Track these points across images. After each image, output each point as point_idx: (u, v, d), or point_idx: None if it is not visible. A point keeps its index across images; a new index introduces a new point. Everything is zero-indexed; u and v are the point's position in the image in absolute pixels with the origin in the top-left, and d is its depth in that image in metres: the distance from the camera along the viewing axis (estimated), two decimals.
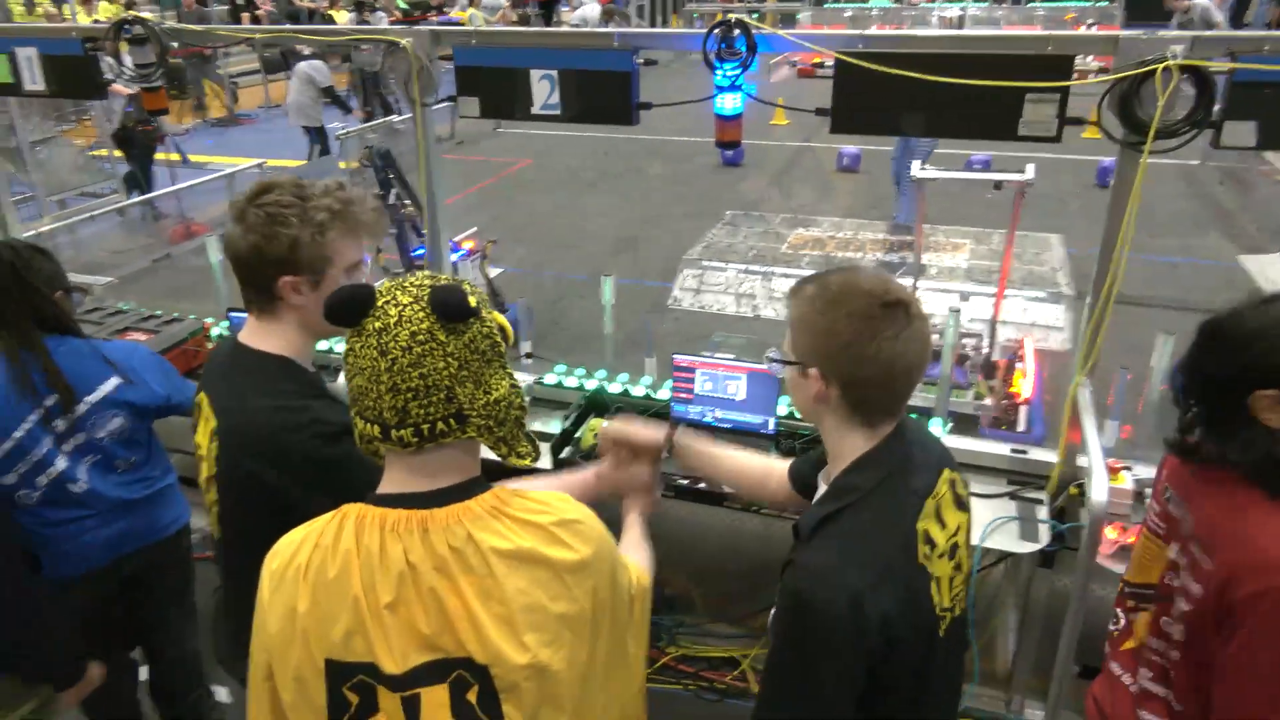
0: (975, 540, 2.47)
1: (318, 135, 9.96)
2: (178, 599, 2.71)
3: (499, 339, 1.22)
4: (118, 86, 4.01)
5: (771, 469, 1.83)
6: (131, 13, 3.73)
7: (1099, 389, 2.93)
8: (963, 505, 1.49)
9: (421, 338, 1.14)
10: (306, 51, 9.73)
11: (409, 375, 1.14)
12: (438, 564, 1.14)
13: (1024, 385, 4.48)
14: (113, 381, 2.31)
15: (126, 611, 2.56)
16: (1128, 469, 2.55)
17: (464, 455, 1.23)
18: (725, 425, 2.92)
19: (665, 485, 2.72)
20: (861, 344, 1.33)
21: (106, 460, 2.35)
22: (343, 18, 14.95)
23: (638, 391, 3.15)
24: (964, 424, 4.18)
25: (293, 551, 1.20)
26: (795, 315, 1.44)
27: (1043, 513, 2.55)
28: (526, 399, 1.29)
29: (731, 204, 8.76)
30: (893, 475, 1.40)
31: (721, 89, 2.48)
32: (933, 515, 1.41)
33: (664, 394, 3.07)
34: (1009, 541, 2.48)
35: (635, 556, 1.55)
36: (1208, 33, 2.14)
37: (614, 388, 3.16)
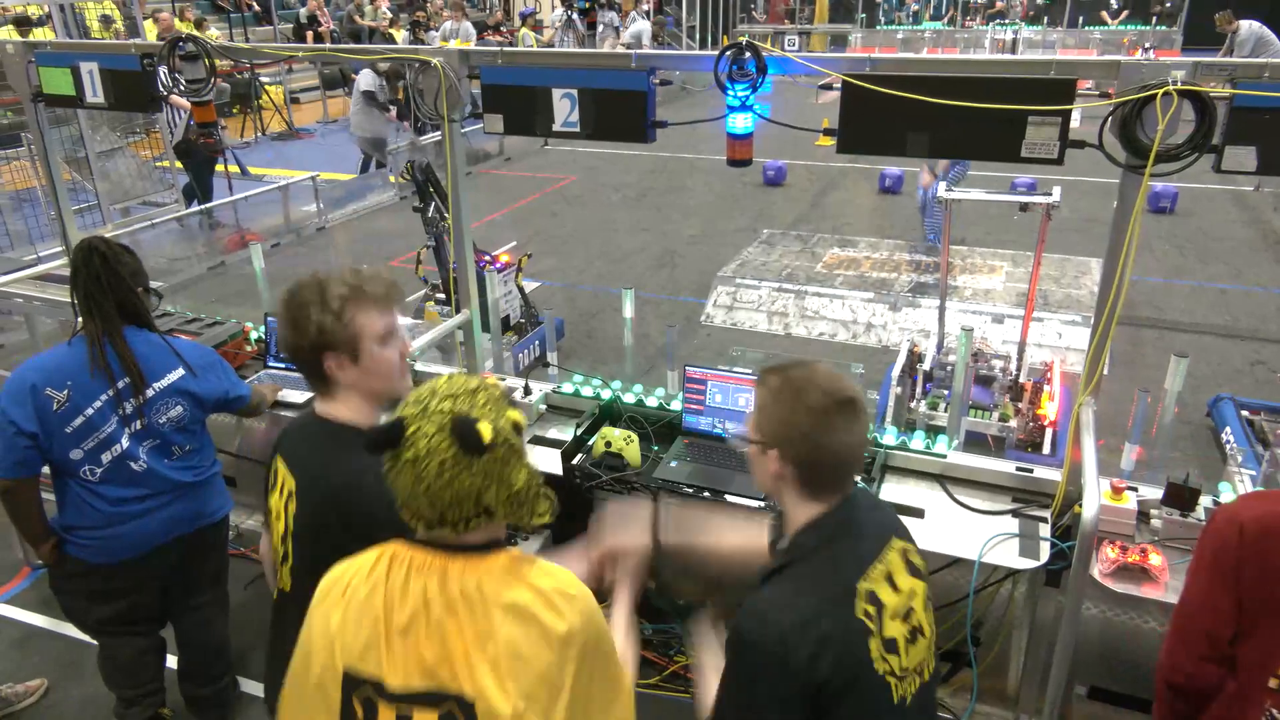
0: (974, 556, 2.49)
1: (374, 146, 10.15)
2: (214, 584, 2.87)
3: (514, 439, 1.38)
4: (177, 99, 4.23)
5: (753, 547, 1.94)
6: (186, 30, 3.93)
7: (1121, 411, 2.92)
8: (917, 573, 1.62)
9: (449, 464, 1.31)
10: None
11: (442, 495, 1.32)
12: (449, 604, 1.33)
13: (1051, 408, 4.45)
14: (179, 372, 2.54)
15: (164, 591, 2.72)
16: (1133, 489, 2.55)
17: (492, 530, 1.42)
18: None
19: (670, 491, 2.78)
20: (817, 434, 1.53)
21: (164, 445, 2.55)
22: (400, 36, 15.36)
23: (651, 402, 3.22)
24: (985, 445, 4.18)
25: (341, 573, 1.42)
26: (759, 402, 1.62)
27: (1045, 530, 2.56)
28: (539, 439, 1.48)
29: (771, 222, 8.81)
30: (836, 538, 1.57)
31: (733, 109, 2.56)
32: (882, 579, 1.55)
33: (676, 405, 3.14)
34: (1009, 558, 2.50)
35: (620, 646, 1.64)
36: (1208, 59, 2.15)
37: (628, 398, 3.24)
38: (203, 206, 8.59)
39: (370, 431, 1.36)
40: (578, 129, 2.75)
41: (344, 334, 1.80)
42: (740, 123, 2.57)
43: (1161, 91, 2.11)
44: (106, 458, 2.47)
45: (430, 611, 1.33)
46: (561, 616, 1.35)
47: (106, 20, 11.47)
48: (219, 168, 9.23)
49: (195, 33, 3.38)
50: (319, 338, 1.79)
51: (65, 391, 2.41)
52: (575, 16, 19.44)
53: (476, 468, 1.32)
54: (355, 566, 1.41)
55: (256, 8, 16.29)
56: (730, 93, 2.52)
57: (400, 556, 1.38)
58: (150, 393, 2.50)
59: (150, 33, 11.55)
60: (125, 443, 2.49)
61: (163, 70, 3.30)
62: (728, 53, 2.49)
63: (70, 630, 3.14)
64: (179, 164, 8.92)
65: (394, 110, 10.26)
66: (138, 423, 2.49)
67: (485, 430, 1.32)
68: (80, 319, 2.49)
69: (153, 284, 2.70)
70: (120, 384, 2.46)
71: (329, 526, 1.72)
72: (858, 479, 1.68)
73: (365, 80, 9.82)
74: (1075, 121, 2.32)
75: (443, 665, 1.32)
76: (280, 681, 1.49)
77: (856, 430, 1.55)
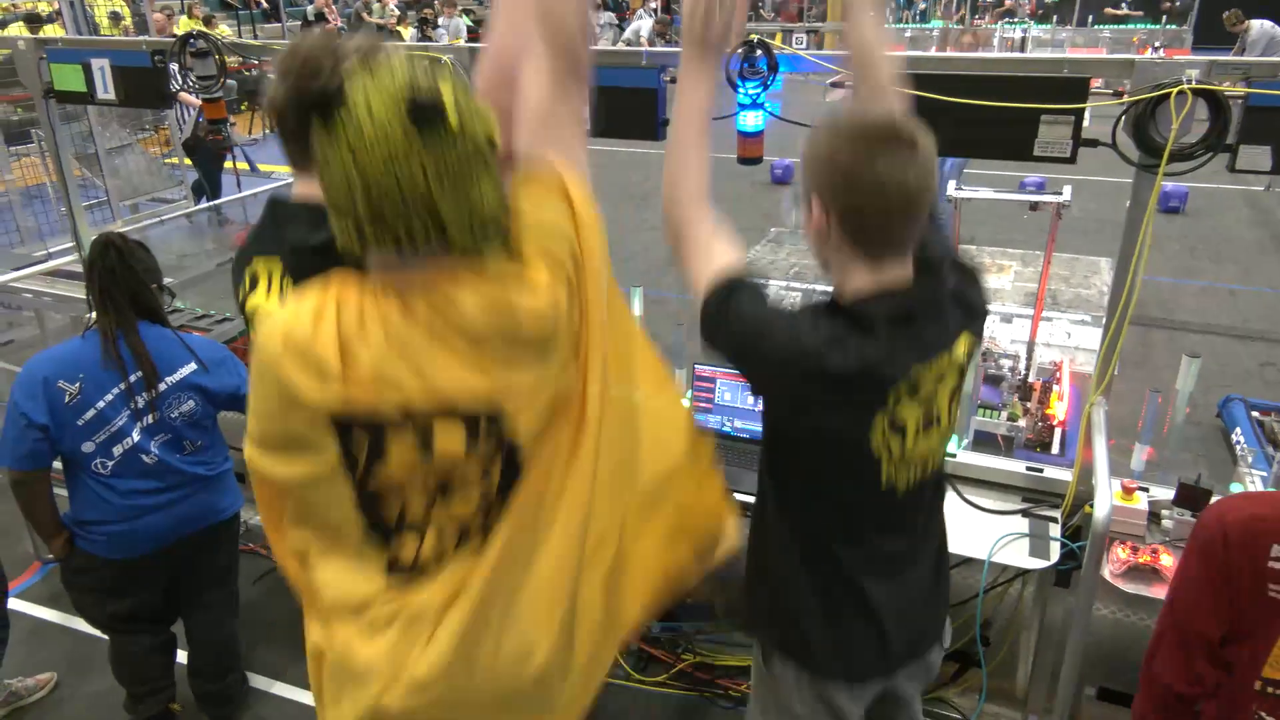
0: (984, 555, 2.49)
1: None
2: (223, 581, 2.88)
3: (486, 143, 1.17)
4: (186, 96, 4.25)
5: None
6: (196, 27, 3.94)
7: (1130, 411, 2.91)
8: (958, 364, 1.52)
9: (397, 142, 1.09)
10: None
11: (382, 184, 1.10)
12: (427, 329, 1.17)
13: (1060, 408, 4.44)
14: (191, 366, 2.56)
15: (175, 587, 2.73)
16: (1144, 490, 2.54)
17: None
18: (744, 435, 2.97)
19: None
20: (858, 168, 1.34)
21: (176, 440, 2.57)
22: (408, 34, 15.39)
23: None
24: (996, 445, 4.17)
25: (287, 328, 1.19)
26: (805, 152, 1.44)
27: (1055, 530, 2.56)
28: None
29: (778, 221, 8.80)
30: (889, 326, 1.40)
31: (744, 106, 2.56)
32: (930, 371, 1.45)
33: (684, 403, 3.14)
34: (1019, 557, 2.49)
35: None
36: (1223, 58, 2.14)
37: None
38: (212, 203, 8.61)
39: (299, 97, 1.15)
40: (588, 127, 2.74)
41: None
42: (751, 120, 2.56)
43: (1176, 90, 2.11)
44: (118, 450, 2.48)
45: (387, 327, 1.15)
46: (535, 293, 1.18)
47: (115, 17, 11.52)
48: (227, 165, 9.25)
49: (204, 29, 3.38)
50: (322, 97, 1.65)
51: (77, 384, 2.42)
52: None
53: (431, 153, 1.09)
54: (295, 314, 1.18)
55: (265, 4, 16.35)
56: (741, 90, 2.52)
57: (349, 282, 1.18)
58: (163, 387, 2.51)
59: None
60: (137, 436, 2.50)
61: (174, 67, 3.31)
62: (739, 50, 2.48)
63: (80, 625, 3.16)
64: (187, 160, 8.95)
65: None
66: (150, 417, 2.50)
67: (446, 94, 1.10)
68: (94, 313, 2.51)
69: (165, 281, 2.72)
70: (133, 377, 2.47)
71: None
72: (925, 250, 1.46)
73: None
74: (1086, 120, 2.31)
75: (437, 380, 1.16)
76: None
77: (911, 170, 1.33)
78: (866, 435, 1.44)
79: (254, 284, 1.77)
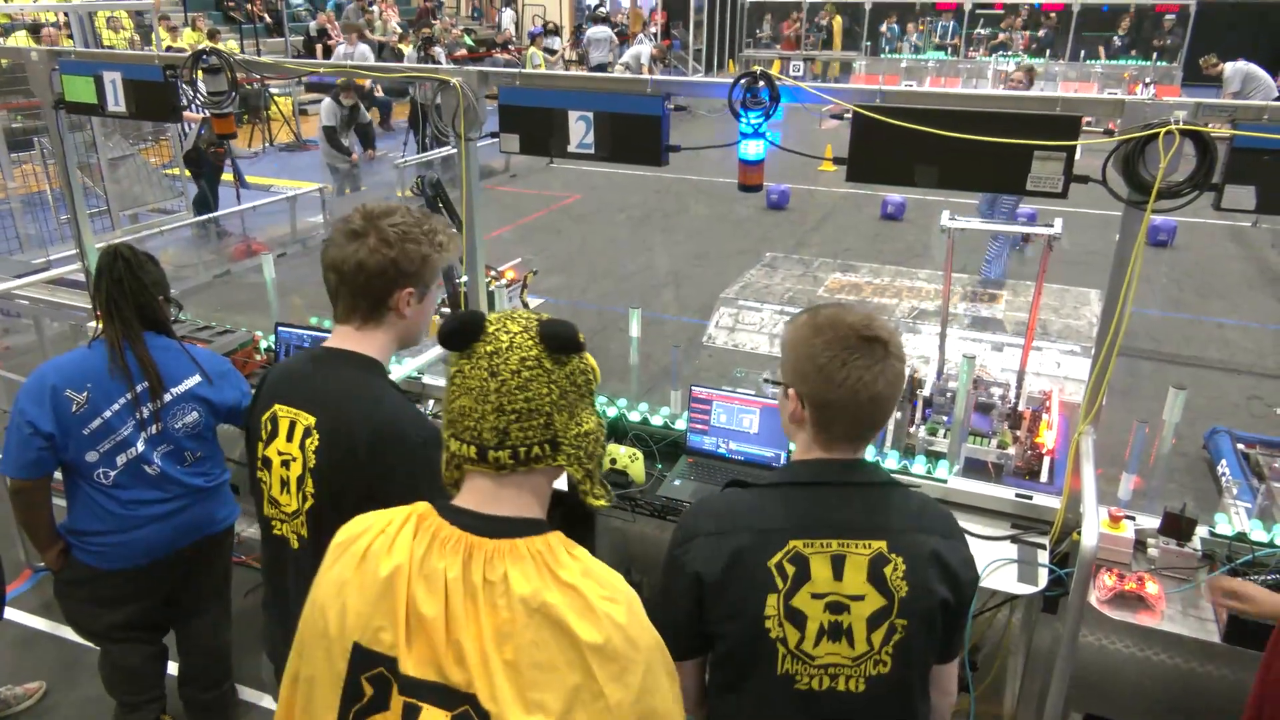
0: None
1: (333, 173, 10.11)
2: (217, 592, 2.89)
3: (592, 378, 1.29)
4: (188, 114, 4.31)
5: None
6: (209, 43, 4.00)
7: (1118, 441, 2.96)
8: (884, 590, 1.47)
9: (530, 363, 1.21)
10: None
11: (515, 397, 1.20)
12: (469, 592, 1.17)
13: (1049, 436, 4.49)
14: (195, 379, 2.59)
15: (169, 598, 2.74)
16: (1130, 518, 2.58)
17: (541, 489, 1.28)
18: (738, 457, 3.01)
19: (673, 509, 2.82)
20: (833, 369, 1.46)
21: (178, 451, 2.59)
22: (408, 50, 15.52)
23: (656, 421, 3.26)
24: (985, 471, 4.22)
25: (360, 532, 1.26)
26: (785, 339, 1.57)
27: (1043, 557, 2.60)
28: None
29: (773, 246, 8.88)
30: (813, 490, 1.52)
31: (745, 135, 2.62)
32: (827, 560, 1.47)
33: (681, 424, 3.18)
34: (1007, 583, 2.53)
35: None
36: (1210, 100, 2.21)
37: (634, 416, 3.28)
38: (210, 215, 8.66)
39: (453, 316, 1.24)
40: (593, 151, 2.81)
41: (432, 271, 1.78)
42: (753, 149, 2.62)
43: (1164, 130, 2.17)
44: (121, 460, 2.50)
45: (450, 598, 1.16)
46: (598, 625, 1.15)
47: (113, 23, 11.62)
48: (225, 176, 9.30)
49: (204, 45, 3.44)
50: (418, 268, 1.75)
51: (85, 393, 2.45)
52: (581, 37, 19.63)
53: (556, 376, 1.22)
54: (376, 526, 1.25)
55: (268, 20, 16.44)
56: (744, 119, 2.58)
57: (427, 524, 1.22)
58: (168, 397, 2.54)
59: (164, 40, 11.67)
60: (141, 446, 2.52)
61: (184, 85, 3.36)
62: (742, 80, 2.55)
63: (70, 634, 3.15)
64: (186, 172, 9.00)
65: (355, 153, 10.23)
66: (154, 427, 2.52)
67: (579, 334, 1.23)
68: (99, 323, 2.53)
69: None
70: (139, 388, 2.50)
71: (359, 463, 1.67)
72: (887, 456, 1.58)
73: (325, 115, 9.81)
74: (1077, 155, 2.37)
75: (457, 662, 1.15)
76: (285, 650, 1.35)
77: (878, 372, 1.44)
78: (760, 613, 1.48)
79: (274, 430, 1.81)
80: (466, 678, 1.15)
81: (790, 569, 1.47)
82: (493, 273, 5.24)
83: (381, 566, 1.20)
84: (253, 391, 2.80)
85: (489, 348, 1.22)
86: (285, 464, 1.79)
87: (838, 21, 20.78)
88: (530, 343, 1.23)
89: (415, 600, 1.18)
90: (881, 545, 1.48)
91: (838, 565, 1.47)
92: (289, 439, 1.78)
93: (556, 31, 19.21)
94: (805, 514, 1.51)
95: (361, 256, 1.73)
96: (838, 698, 1.50)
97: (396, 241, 1.74)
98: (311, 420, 1.75)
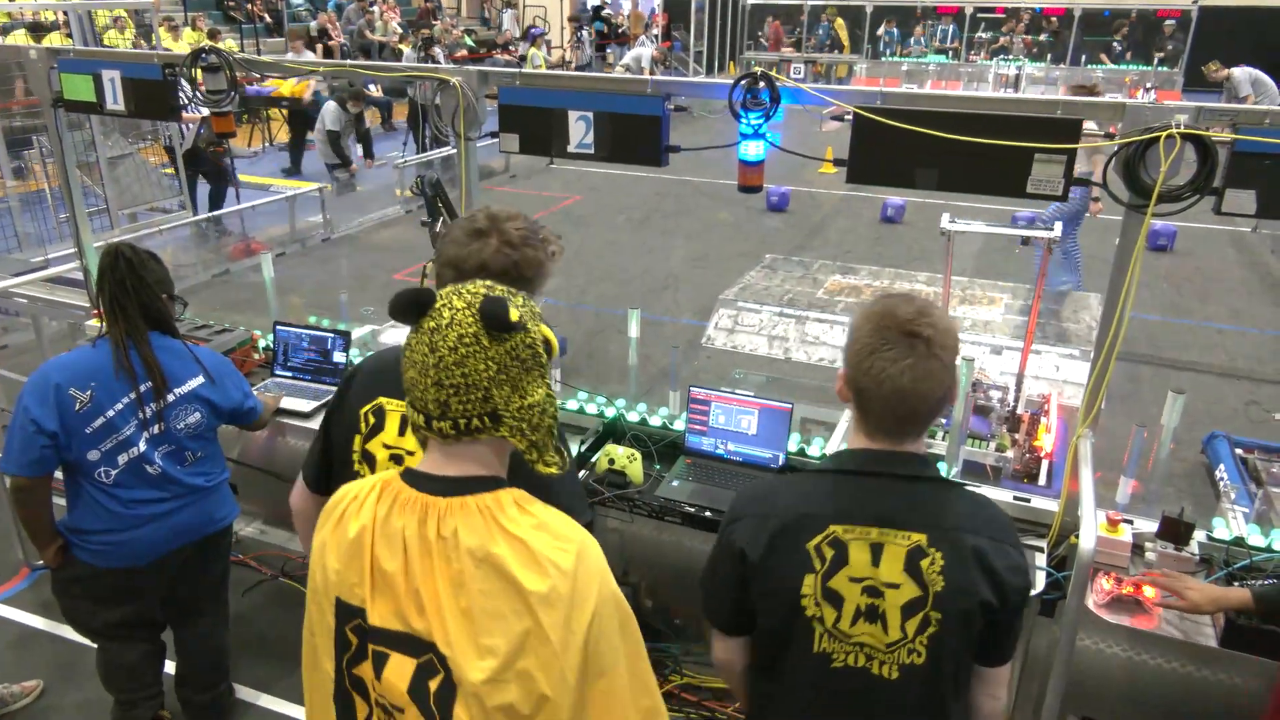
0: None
1: (331, 171, 10.15)
2: (216, 592, 2.89)
3: (541, 350, 1.31)
4: (186, 114, 4.30)
5: None
6: (208, 43, 4.00)
7: (1116, 445, 2.96)
8: (920, 582, 1.50)
9: (468, 340, 1.24)
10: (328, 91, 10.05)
11: (452, 372, 1.24)
12: (424, 548, 1.25)
13: (1047, 440, 4.49)
14: (199, 379, 2.59)
15: (168, 597, 2.73)
16: (1128, 522, 2.58)
17: (491, 454, 1.32)
18: (736, 458, 3.01)
19: (671, 510, 2.81)
20: (863, 356, 1.50)
21: (179, 451, 2.59)
22: (407, 50, 15.52)
23: (655, 421, 3.26)
24: (984, 474, 4.21)
25: (340, 498, 1.36)
26: (851, 319, 1.62)
27: (1041, 560, 2.59)
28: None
29: (773, 248, 8.88)
30: (857, 479, 1.56)
31: (746, 136, 2.62)
32: (866, 546, 1.51)
33: (679, 425, 3.18)
34: None
35: None
36: (1211, 104, 2.21)
37: (632, 416, 3.28)
38: (209, 214, 8.66)
39: (402, 292, 1.27)
40: (592, 151, 2.81)
41: (543, 278, 1.79)
42: (753, 150, 2.62)
43: (1165, 134, 2.17)
44: (123, 459, 2.50)
45: (408, 553, 1.25)
46: (543, 574, 1.22)
47: (117, 24, 11.61)
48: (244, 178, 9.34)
49: (204, 44, 3.44)
50: (535, 272, 1.76)
51: (88, 392, 2.44)
52: (584, 36, 19.63)
53: (495, 352, 1.25)
54: (350, 493, 1.35)
55: (268, 20, 16.44)
56: (744, 120, 2.58)
57: (390, 489, 1.31)
58: (171, 398, 2.53)
59: (165, 39, 11.67)
60: (142, 446, 2.52)
61: (185, 83, 3.36)
62: (742, 81, 2.55)
63: (67, 632, 3.15)
64: (192, 171, 9.00)
65: (355, 164, 10.28)
66: (156, 426, 2.52)
67: (514, 311, 1.25)
68: (103, 322, 2.53)
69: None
70: (143, 387, 2.49)
71: None
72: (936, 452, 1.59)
73: (330, 118, 9.82)
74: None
75: (418, 613, 1.24)
76: None
77: (905, 367, 1.46)
78: (797, 590, 1.54)
79: (380, 423, 1.80)
80: (426, 626, 1.24)
81: (829, 552, 1.52)
82: None
83: (351, 527, 1.30)
84: (255, 396, 2.83)
85: (431, 323, 1.26)
86: (396, 459, 1.79)
87: (840, 24, 20.80)
88: (470, 319, 1.25)
89: (378, 558, 1.27)
90: (921, 539, 1.50)
91: (876, 552, 1.51)
92: (401, 433, 1.79)
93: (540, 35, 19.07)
94: (847, 501, 1.54)
95: (485, 256, 1.73)
96: (871, 681, 1.54)
97: (519, 244, 1.75)
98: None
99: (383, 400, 1.82)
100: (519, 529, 1.25)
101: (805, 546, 1.52)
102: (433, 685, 1.24)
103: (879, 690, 1.55)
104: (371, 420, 1.82)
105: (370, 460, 1.82)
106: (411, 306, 1.28)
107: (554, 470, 1.35)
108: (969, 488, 1.64)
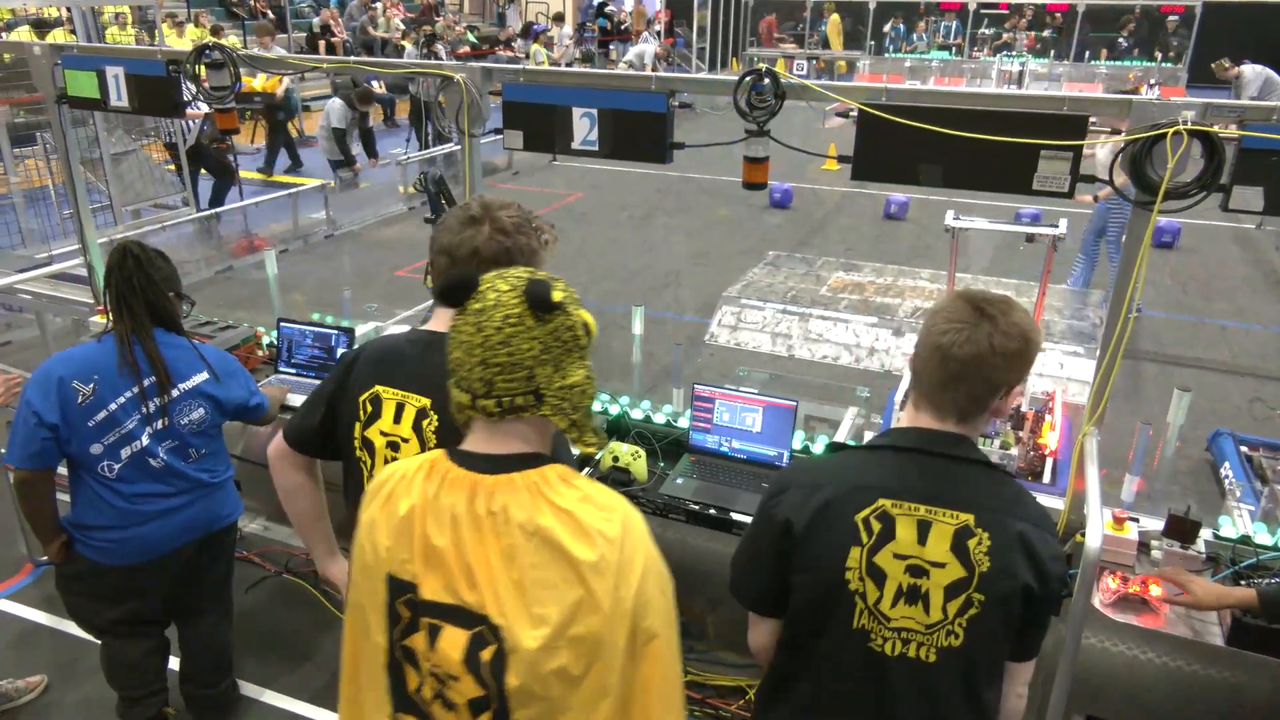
0: None
1: (334, 168, 10.14)
2: (219, 590, 2.89)
3: (581, 333, 1.36)
4: (191, 110, 4.30)
5: None
6: (211, 39, 3.99)
7: (1120, 443, 2.95)
8: (966, 562, 1.51)
9: (513, 320, 1.30)
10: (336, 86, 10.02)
11: (498, 351, 1.30)
12: (475, 524, 1.30)
13: (1051, 437, 4.48)
14: (203, 375, 2.59)
15: (172, 594, 2.73)
16: (1134, 520, 2.57)
17: (534, 432, 1.37)
18: (740, 455, 3.00)
19: (675, 508, 2.81)
20: (932, 318, 1.56)
21: (183, 448, 2.59)
22: (409, 46, 15.51)
23: (659, 419, 3.25)
24: None
25: (386, 478, 1.40)
26: None
27: None
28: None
29: (776, 245, 8.86)
30: (907, 456, 1.57)
31: (752, 134, 2.61)
32: (913, 523, 1.52)
33: (683, 422, 3.18)
34: None
35: None
36: (1218, 100, 2.20)
37: (636, 414, 3.27)
38: (212, 210, 8.66)
39: (447, 276, 1.33)
40: (596, 148, 2.80)
41: (536, 265, 1.78)
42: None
43: (1172, 131, 2.16)
44: (126, 453, 2.50)
45: (459, 530, 1.30)
46: (591, 544, 1.27)
47: (118, 20, 11.61)
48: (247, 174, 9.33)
49: (207, 40, 3.44)
50: (526, 259, 1.77)
51: (91, 385, 2.45)
52: (563, 34, 19.56)
53: (538, 332, 1.30)
54: (398, 472, 1.39)
55: (270, 16, 16.42)
56: (749, 117, 2.57)
57: (438, 467, 1.35)
58: (175, 393, 2.54)
59: (169, 36, 11.67)
60: (145, 440, 2.52)
61: (189, 82, 3.35)
62: (747, 78, 2.54)
63: (71, 628, 3.15)
64: (201, 169, 9.01)
65: (358, 162, 10.28)
66: (160, 422, 2.52)
67: (556, 293, 1.31)
68: (106, 318, 2.53)
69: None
70: (146, 382, 2.49)
71: None
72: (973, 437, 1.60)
73: (336, 115, 9.80)
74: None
75: (470, 587, 1.29)
76: None
77: (966, 335, 1.49)
78: (841, 564, 1.55)
79: (376, 410, 1.82)
80: (479, 599, 1.28)
81: (876, 525, 1.52)
82: None
83: (401, 506, 1.34)
84: (261, 392, 2.83)
85: (477, 305, 1.32)
86: (394, 445, 1.81)
87: (834, 20, 20.74)
88: (515, 301, 1.30)
89: (428, 534, 1.31)
90: (969, 519, 1.51)
91: (923, 530, 1.52)
92: (396, 421, 1.80)
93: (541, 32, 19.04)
94: (897, 477, 1.55)
95: (478, 243, 1.74)
96: (908, 664, 1.54)
97: (512, 231, 1.76)
98: (426, 402, 1.78)
99: (379, 388, 1.84)
100: (565, 502, 1.30)
101: (854, 518, 1.53)
102: (485, 655, 1.28)
103: (917, 673, 1.55)
104: (369, 409, 1.84)
105: (369, 447, 1.85)
106: (459, 289, 1.33)
107: (592, 449, 1.42)
108: (1011, 477, 1.65)
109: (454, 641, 1.30)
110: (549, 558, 1.26)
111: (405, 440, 1.81)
